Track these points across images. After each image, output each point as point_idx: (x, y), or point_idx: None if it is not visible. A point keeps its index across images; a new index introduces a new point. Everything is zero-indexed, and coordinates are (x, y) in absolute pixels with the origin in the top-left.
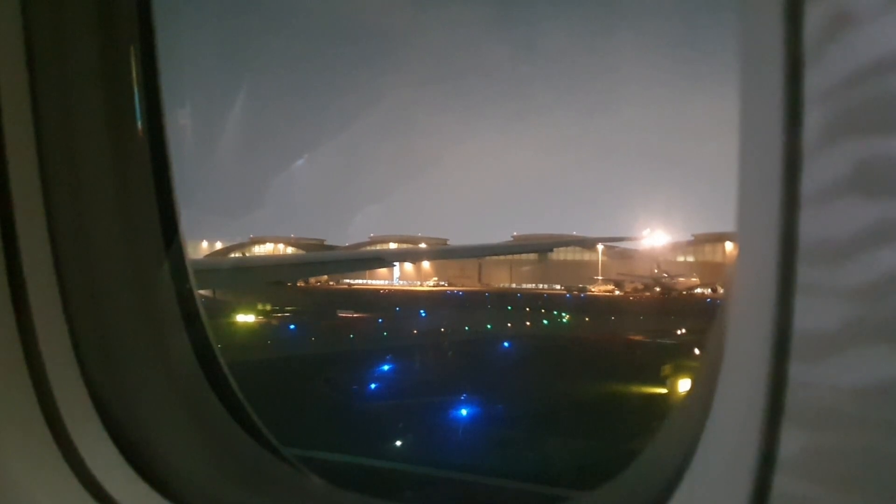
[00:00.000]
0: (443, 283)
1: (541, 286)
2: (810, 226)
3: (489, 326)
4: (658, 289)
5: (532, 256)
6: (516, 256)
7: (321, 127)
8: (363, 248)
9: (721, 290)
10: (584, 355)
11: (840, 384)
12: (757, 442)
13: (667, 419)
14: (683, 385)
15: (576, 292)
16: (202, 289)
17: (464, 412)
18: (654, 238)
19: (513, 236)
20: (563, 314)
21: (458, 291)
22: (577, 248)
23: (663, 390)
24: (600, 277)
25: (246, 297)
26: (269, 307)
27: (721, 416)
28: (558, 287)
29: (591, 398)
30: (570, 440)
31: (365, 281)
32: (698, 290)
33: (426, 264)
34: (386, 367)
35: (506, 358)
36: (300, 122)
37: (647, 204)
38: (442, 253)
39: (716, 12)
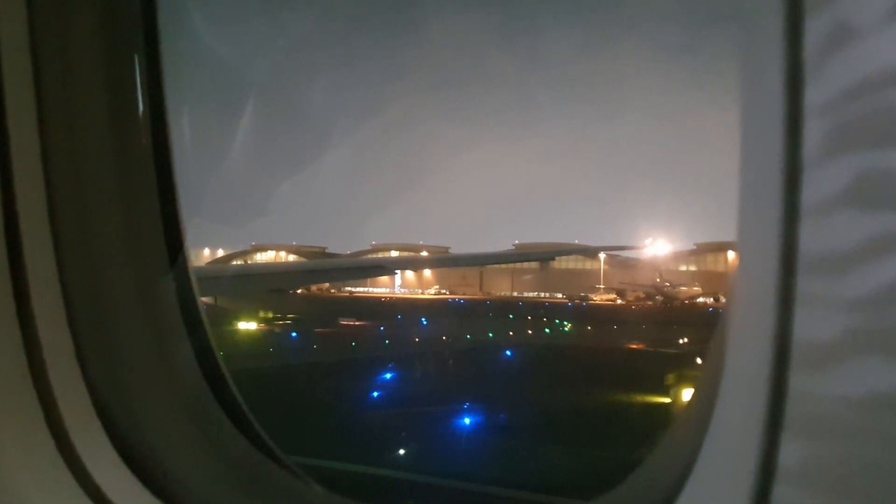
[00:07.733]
0: (444, 291)
1: (542, 295)
2: (810, 236)
3: (491, 335)
4: (660, 298)
5: (534, 265)
6: (518, 265)
7: (324, 135)
8: (365, 256)
9: (723, 300)
10: (585, 364)
11: (840, 394)
12: (757, 451)
13: (667, 429)
14: (687, 394)
15: (577, 301)
16: (204, 296)
17: (466, 421)
18: (656, 247)
19: (514, 245)
20: (565, 323)
21: (460, 300)
22: (579, 257)
23: (667, 399)
24: (602, 286)
25: (248, 305)
26: (270, 315)
27: (722, 426)
28: (560, 296)
29: (592, 407)
30: (572, 449)
31: (366, 289)
32: (700, 300)
33: (427, 272)
34: (388, 376)
35: (508, 367)
36: (303, 130)
37: (650, 213)
38: (443, 261)
39: (719, 25)
